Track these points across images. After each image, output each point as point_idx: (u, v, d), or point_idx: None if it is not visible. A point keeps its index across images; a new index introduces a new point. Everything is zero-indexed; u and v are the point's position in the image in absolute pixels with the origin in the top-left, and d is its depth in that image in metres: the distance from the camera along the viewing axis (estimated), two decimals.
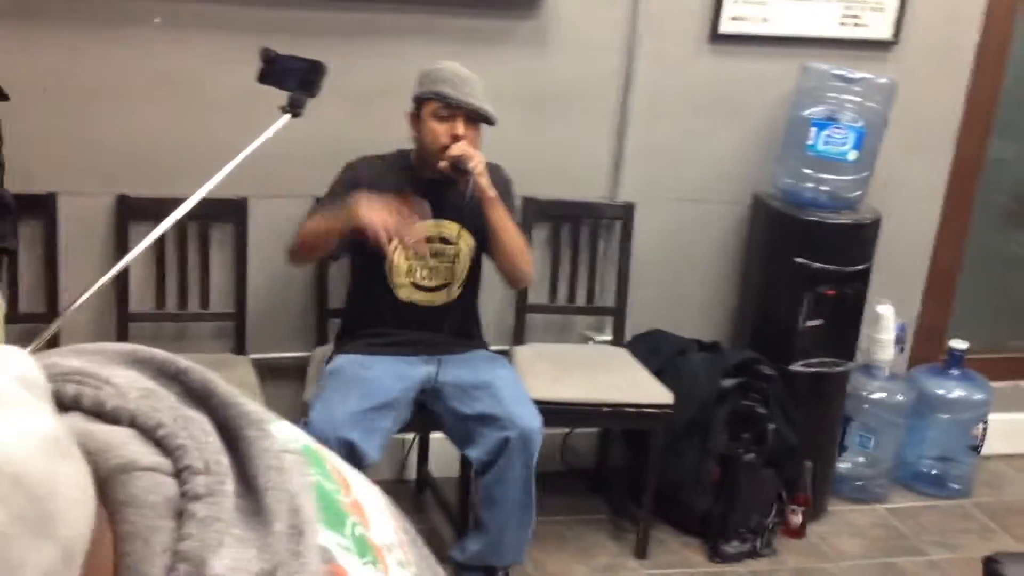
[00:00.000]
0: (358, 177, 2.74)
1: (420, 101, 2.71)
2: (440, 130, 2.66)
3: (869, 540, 3.41)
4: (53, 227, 2.91)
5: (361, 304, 2.88)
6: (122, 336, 2.97)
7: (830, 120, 3.20)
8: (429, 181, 2.73)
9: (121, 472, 0.58)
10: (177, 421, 0.61)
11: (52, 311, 2.89)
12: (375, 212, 2.51)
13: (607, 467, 3.50)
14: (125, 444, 0.58)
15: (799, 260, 3.24)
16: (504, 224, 2.72)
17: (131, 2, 2.86)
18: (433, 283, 2.84)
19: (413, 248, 2.67)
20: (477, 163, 2.63)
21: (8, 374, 0.53)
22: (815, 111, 3.23)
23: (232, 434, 0.63)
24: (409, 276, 2.83)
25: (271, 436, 0.64)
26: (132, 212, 2.94)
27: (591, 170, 3.32)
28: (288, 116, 2.04)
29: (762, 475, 3.23)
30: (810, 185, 3.25)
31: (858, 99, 3.20)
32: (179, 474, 0.59)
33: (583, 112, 3.26)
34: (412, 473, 3.40)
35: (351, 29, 3.01)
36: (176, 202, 2.91)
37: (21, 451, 0.50)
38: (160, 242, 2.96)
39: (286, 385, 3.04)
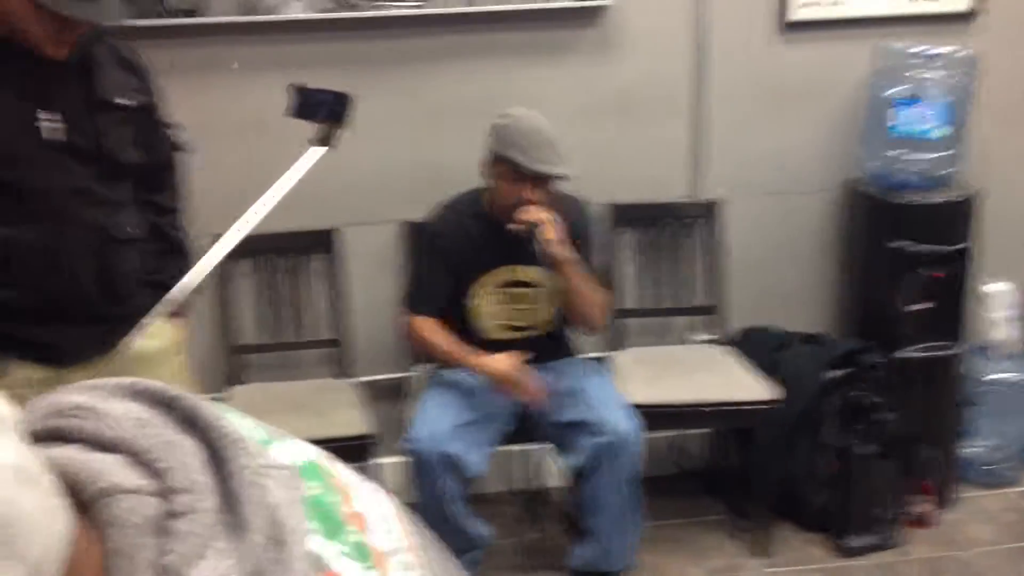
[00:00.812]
0: (443, 243, 2.80)
1: (493, 156, 2.72)
2: (511, 192, 2.67)
3: (1001, 525, 3.28)
4: None
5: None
6: (234, 369, 3.09)
7: (911, 99, 3.15)
8: (505, 226, 2.71)
9: (105, 495, 0.62)
10: (164, 446, 0.66)
11: None
12: (504, 376, 2.66)
13: (720, 467, 3.46)
14: (113, 470, 0.63)
15: (895, 244, 3.17)
16: (575, 285, 2.72)
17: (210, 48, 2.99)
18: (523, 324, 2.87)
19: (534, 401, 2.72)
20: (545, 229, 2.61)
21: None
22: (895, 91, 3.18)
23: (216, 455, 0.67)
24: (497, 319, 2.87)
25: (251, 454, 0.68)
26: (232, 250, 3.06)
27: (672, 170, 3.33)
28: (320, 148, 2.12)
29: (880, 465, 3.14)
30: (898, 167, 3.18)
31: (938, 75, 3.13)
32: (163, 494, 0.63)
33: (658, 113, 3.27)
34: (526, 483, 3.42)
35: (421, 55, 3.10)
36: (267, 238, 3.05)
37: None
38: (261, 276, 3.10)
39: (390, 405, 3.11)
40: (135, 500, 0.63)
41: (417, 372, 3.09)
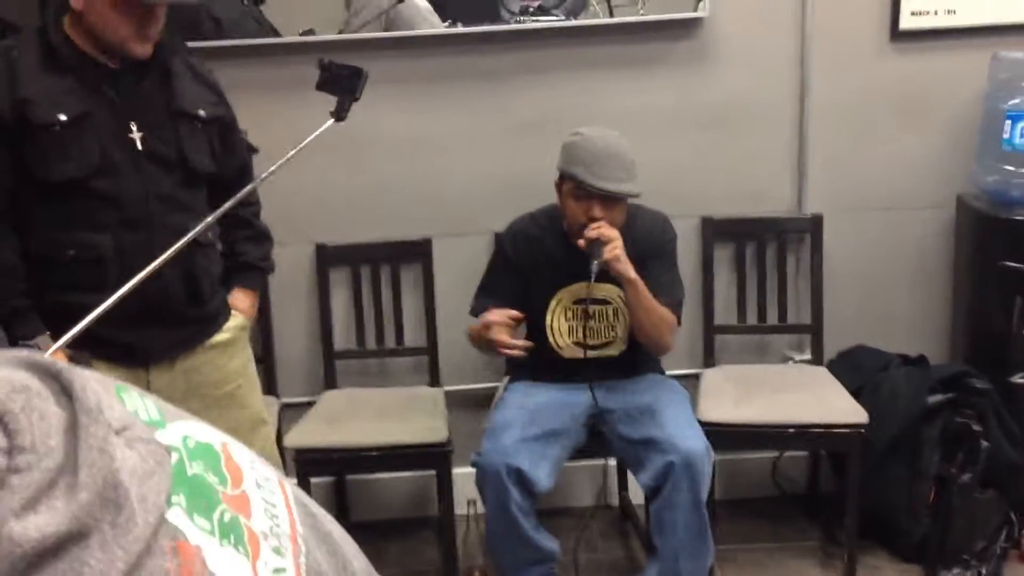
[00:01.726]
0: (513, 251, 2.85)
1: (561, 175, 2.73)
2: (578, 209, 2.67)
3: None
4: None
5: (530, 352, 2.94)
6: (329, 374, 3.20)
7: None
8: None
9: None
10: (26, 410, 0.72)
11: (268, 352, 3.19)
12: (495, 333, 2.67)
13: (818, 492, 3.36)
14: None
15: (1007, 264, 3.01)
16: (640, 303, 2.69)
17: (300, 66, 3.09)
18: (597, 341, 2.87)
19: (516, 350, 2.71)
20: (611, 248, 2.60)
21: None
22: (1013, 103, 3.01)
23: (73, 422, 0.74)
24: (572, 336, 2.87)
25: (103, 424, 0.74)
26: (329, 259, 3.18)
27: (773, 184, 3.25)
28: (332, 121, 2.19)
29: (982, 496, 2.99)
30: (1013, 182, 3.02)
31: None
32: (9, 452, 0.65)
33: (759, 126, 3.21)
34: (615, 499, 3.42)
35: (518, 69, 3.14)
36: (363, 248, 3.15)
37: None
38: (357, 284, 3.20)
39: (478, 415, 3.16)
40: None
41: (504, 384, 3.13)
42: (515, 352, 2.68)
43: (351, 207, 3.20)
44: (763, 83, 3.18)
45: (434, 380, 3.22)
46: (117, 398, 0.80)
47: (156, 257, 1.98)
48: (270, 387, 3.13)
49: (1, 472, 0.64)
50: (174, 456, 0.79)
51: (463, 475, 2.93)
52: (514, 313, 2.75)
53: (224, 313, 2.38)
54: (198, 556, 0.71)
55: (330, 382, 3.20)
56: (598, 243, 2.60)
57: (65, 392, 0.72)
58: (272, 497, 0.84)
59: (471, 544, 3.01)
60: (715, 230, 3.23)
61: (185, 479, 0.73)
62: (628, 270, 2.64)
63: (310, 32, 3.11)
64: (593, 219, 2.63)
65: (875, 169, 3.24)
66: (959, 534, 2.98)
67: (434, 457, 2.87)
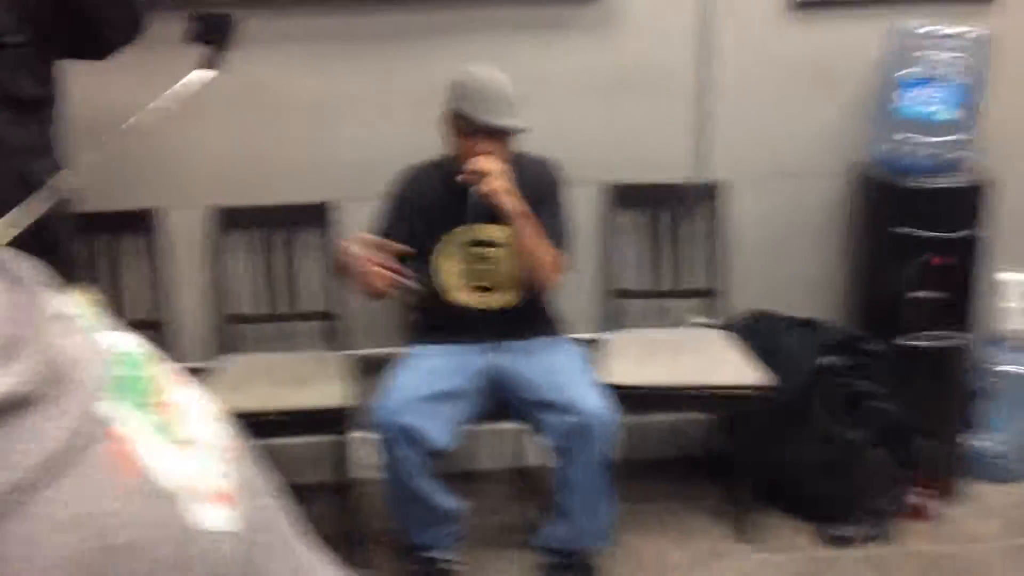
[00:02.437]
0: (401, 191, 2.85)
1: (447, 113, 2.74)
2: (464, 147, 2.69)
3: (1006, 521, 3.19)
4: (155, 240, 3.13)
5: (424, 305, 2.93)
6: (228, 337, 3.15)
7: (921, 80, 3.05)
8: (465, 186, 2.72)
9: None
10: None
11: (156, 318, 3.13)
12: (356, 261, 2.53)
13: (718, 453, 3.43)
14: None
15: (900, 230, 3.09)
16: (519, 238, 2.69)
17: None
18: (484, 283, 2.87)
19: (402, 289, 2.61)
20: (488, 181, 2.60)
21: None
22: (906, 73, 3.08)
23: (16, 304, 0.76)
24: (461, 278, 2.87)
25: (47, 309, 0.75)
26: (227, 222, 3.13)
27: (675, 151, 3.28)
28: (207, 72, 2.11)
29: (873, 455, 3.08)
30: (906, 150, 3.09)
31: (949, 56, 3.03)
32: None
33: (661, 93, 3.23)
34: (517, 461, 3.44)
35: (417, 30, 3.11)
36: (261, 210, 3.10)
37: None
38: (254, 248, 3.15)
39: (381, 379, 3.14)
40: None
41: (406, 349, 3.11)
42: (380, 275, 2.51)
43: (251, 169, 3.14)
44: (666, 50, 3.20)
45: (337, 344, 3.19)
46: (60, 295, 0.82)
47: None
48: (164, 352, 3.06)
49: None
50: (107, 355, 0.82)
51: (364, 440, 2.92)
52: (387, 242, 2.61)
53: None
54: (131, 443, 0.73)
55: (227, 347, 3.15)
56: (476, 176, 2.61)
57: (14, 279, 0.74)
58: (199, 412, 0.86)
59: (371, 509, 3.01)
60: (618, 196, 3.25)
61: (122, 380, 0.76)
62: (506, 202, 2.63)
63: None
64: (477, 154, 2.64)
65: (775, 137, 3.29)
66: (851, 492, 3.07)
67: (333, 421, 2.84)
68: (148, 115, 1.99)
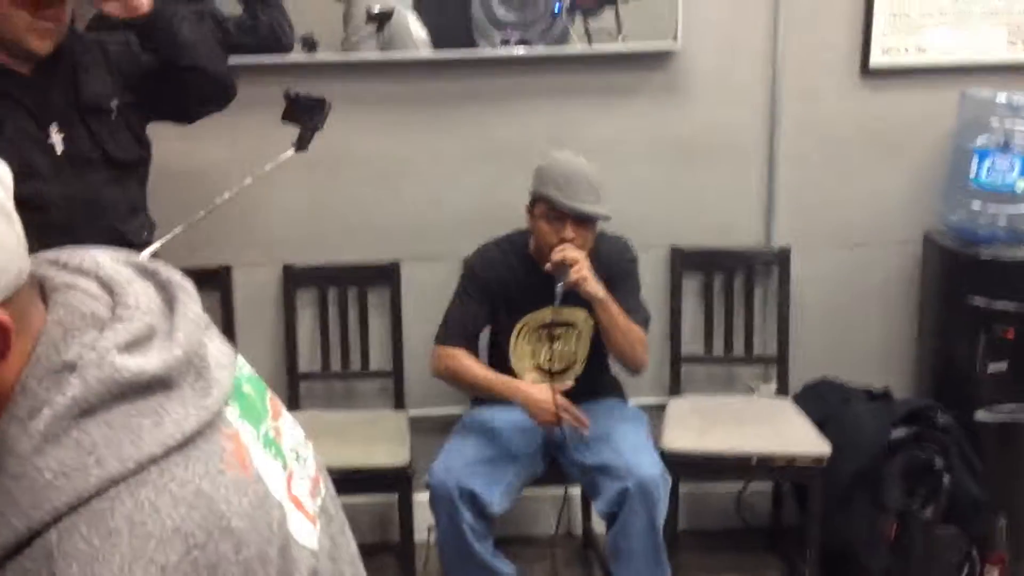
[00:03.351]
0: (482, 279, 2.84)
1: (532, 198, 2.75)
2: (549, 231, 2.69)
3: None
4: (229, 296, 3.18)
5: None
6: (293, 395, 3.19)
7: (996, 149, 3.00)
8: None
9: (69, 288, 0.82)
10: (128, 281, 0.85)
11: None
12: (541, 412, 2.67)
13: (782, 524, 3.36)
14: (80, 281, 0.84)
15: (973, 301, 3.02)
16: (613, 322, 2.69)
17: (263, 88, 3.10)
18: (557, 367, 2.87)
19: (573, 431, 2.72)
20: (578, 269, 2.61)
21: None
22: (980, 141, 3.04)
23: (172, 301, 0.87)
24: (533, 359, 2.88)
25: (197, 308, 0.89)
26: (297, 280, 3.17)
27: (742, 216, 3.26)
28: (292, 151, 2.19)
29: (944, 532, 2.99)
30: (981, 220, 3.04)
31: None
32: (114, 309, 0.82)
33: (730, 158, 3.22)
34: (579, 529, 3.40)
35: (490, 95, 3.14)
36: (331, 269, 3.15)
37: None
38: (324, 306, 3.19)
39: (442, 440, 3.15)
40: (88, 299, 0.82)
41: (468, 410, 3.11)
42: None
43: (320, 228, 3.19)
44: (734, 116, 3.20)
45: (399, 404, 3.21)
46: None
47: None
48: None
49: (108, 320, 0.80)
50: (238, 371, 0.92)
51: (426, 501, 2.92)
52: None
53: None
54: (247, 450, 0.84)
55: (293, 404, 3.18)
56: (564, 265, 2.61)
57: (162, 287, 0.88)
58: (302, 448, 0.97)
59: (432, 570, 2.99)
60: (684, 260, 3.23)
61: (241, 393, 0.89)
62: (597, 289, 2.65)
63: (310, 37, 3.04)
64: (564, 241, 2.64)
65: (844, 204, 3.26)
66: (920, 570, 2.98)
67: (395, 481, 2.85)
68: (240, 190, 2.07)
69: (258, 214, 3.15)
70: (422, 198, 3.20)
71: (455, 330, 2.83)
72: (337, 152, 3.11)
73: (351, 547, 1.01)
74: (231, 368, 0.88)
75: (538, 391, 2.70)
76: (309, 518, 0.91)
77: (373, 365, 3.23)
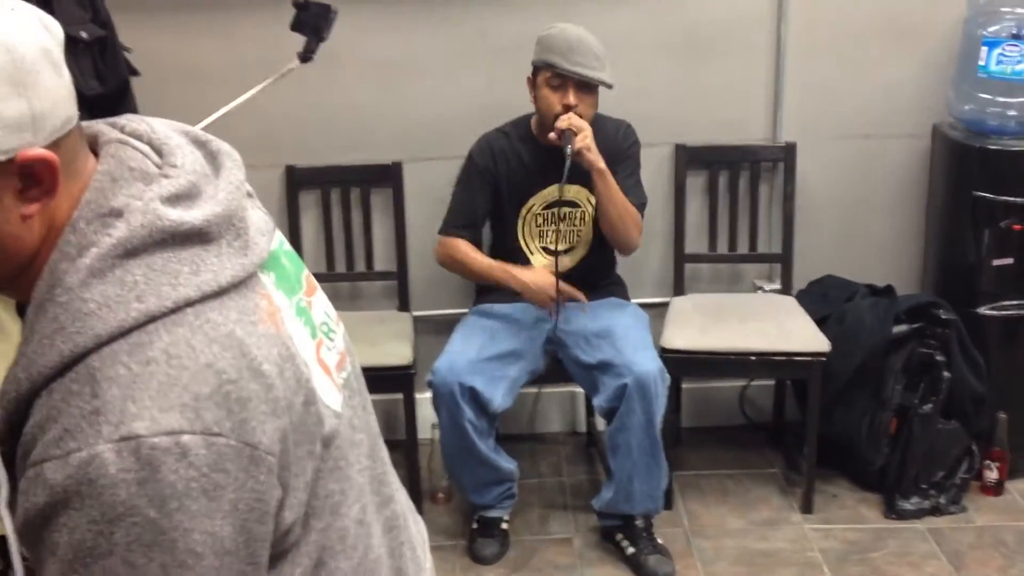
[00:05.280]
0: (481, 166, 2.84)
1: (535, 68, 2.74)
2: (553, 98, 2.67)
3: None
4: None
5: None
6: None
7: (1007, 38, 2.92)
8: (551, 147, 2.71)
9: (120, 144, 0.88)
10: (179, 146, 0.90)
11: None
12: (538, 295, 2.74)
13: (784, 421, 3.39)
14: (133, 141, 0.89)
15: (981, 194, 2.98)
16: (610, 195, 2.70)
17: None
18: (562, 247, 2.87)
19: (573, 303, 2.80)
20: (583, 137, 2.61)
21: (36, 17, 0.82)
22: (991, 30, 2.96)
23: (218, 165, 0.93)
24: (541, 240, 2.89)
25: (241, 175, 0.93)
26: (299, 181, 3.17)
27: (748, 112, 3.22)
28: (297, 63, 2.17)
29: (944, 427, 3.01)
30: (989, 111, 2.98)
31: None
32: (162, 167, 0.87)
33: (734, 52, 3.16)
34: (583, 427, 3.45)
35: None
36: (332, 170, 3.14)
37: (18, 36, 0.78)
38: (327, 207, 3.19)
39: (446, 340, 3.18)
40: (138, 155, 0.88)
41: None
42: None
43: (323, 129, 3.18)
44: (739, 8, 3.12)
45: (403, 304, 3.24)
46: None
47: None
48: None
49: (155, 176, 0.86)
50: (278, 241, 0.98)
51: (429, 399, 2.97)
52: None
53: None
54: (280, 311, 0.90)
55: None
56: (569, 132, 2.61)
57: (212, 155, 0.93)
58: (332, 324, 1.03)
59: (436, 467, 3.05)
60: (688, 157, 3.20)
61: (278, 263, 0.95)
62: (598, 160, 2.65)
63: None
64: (568, 107, 2.63)
65: (852, 96, 3.20)
66: (919, 464, 3.02)
67: (398, 380, 2.89)
68: (245, 100, 2.07)
69: (259, 116, 3.12)
70: (423, 97, 3.17)
71: (457, 220, 2.86)
72: (337, 52, 3.06)
73: (372, 424, 1.07)
74: (269, 236, 0.93)
75: (534, 274, 2.76)
76: (335, 385, 0.96)
77: (377, 266, 3.24)
